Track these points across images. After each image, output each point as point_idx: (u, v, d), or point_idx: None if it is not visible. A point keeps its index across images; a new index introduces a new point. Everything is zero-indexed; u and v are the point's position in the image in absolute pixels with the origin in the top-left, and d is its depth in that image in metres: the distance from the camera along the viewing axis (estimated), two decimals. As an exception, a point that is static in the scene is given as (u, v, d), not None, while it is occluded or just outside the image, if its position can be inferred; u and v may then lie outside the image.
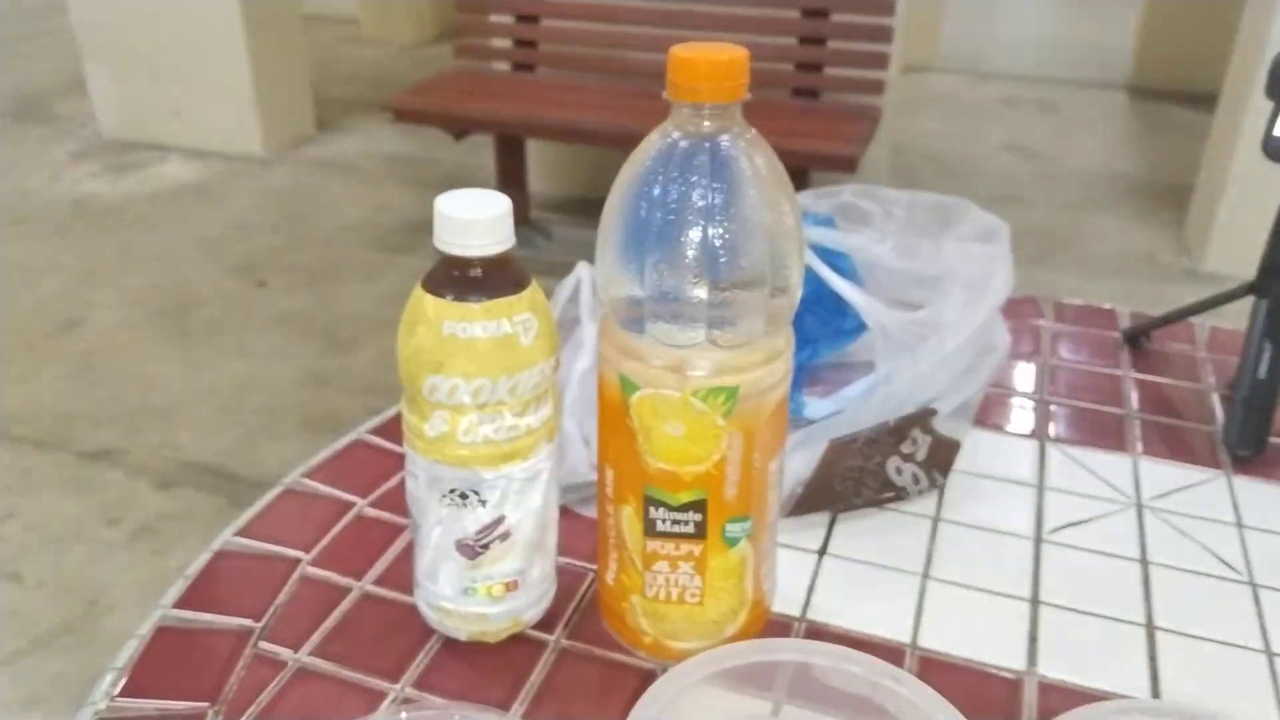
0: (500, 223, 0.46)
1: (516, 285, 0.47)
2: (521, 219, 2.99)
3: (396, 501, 0.63)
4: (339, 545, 0.60)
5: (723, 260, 0.44)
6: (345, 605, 0.56)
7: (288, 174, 3.34)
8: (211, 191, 3.20)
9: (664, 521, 0.48)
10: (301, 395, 2.17)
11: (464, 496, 0.48)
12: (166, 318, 2.47)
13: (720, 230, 0.44)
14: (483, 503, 0.49)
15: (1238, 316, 0.78)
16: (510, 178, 2.86)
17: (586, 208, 3.03)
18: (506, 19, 2.85)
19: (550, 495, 0.51)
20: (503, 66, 2.93)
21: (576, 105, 2.62)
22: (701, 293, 0.45)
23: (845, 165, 2.28)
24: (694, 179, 0.44)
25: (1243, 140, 2.62)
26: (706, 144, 0.45)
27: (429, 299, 0.46)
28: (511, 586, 0.51)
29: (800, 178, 2.30)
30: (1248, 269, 0.74)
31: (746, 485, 0.48)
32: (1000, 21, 5.63)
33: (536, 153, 3.06)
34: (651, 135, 0.46)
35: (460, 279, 0.46)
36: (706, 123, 0.45)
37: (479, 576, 0.50)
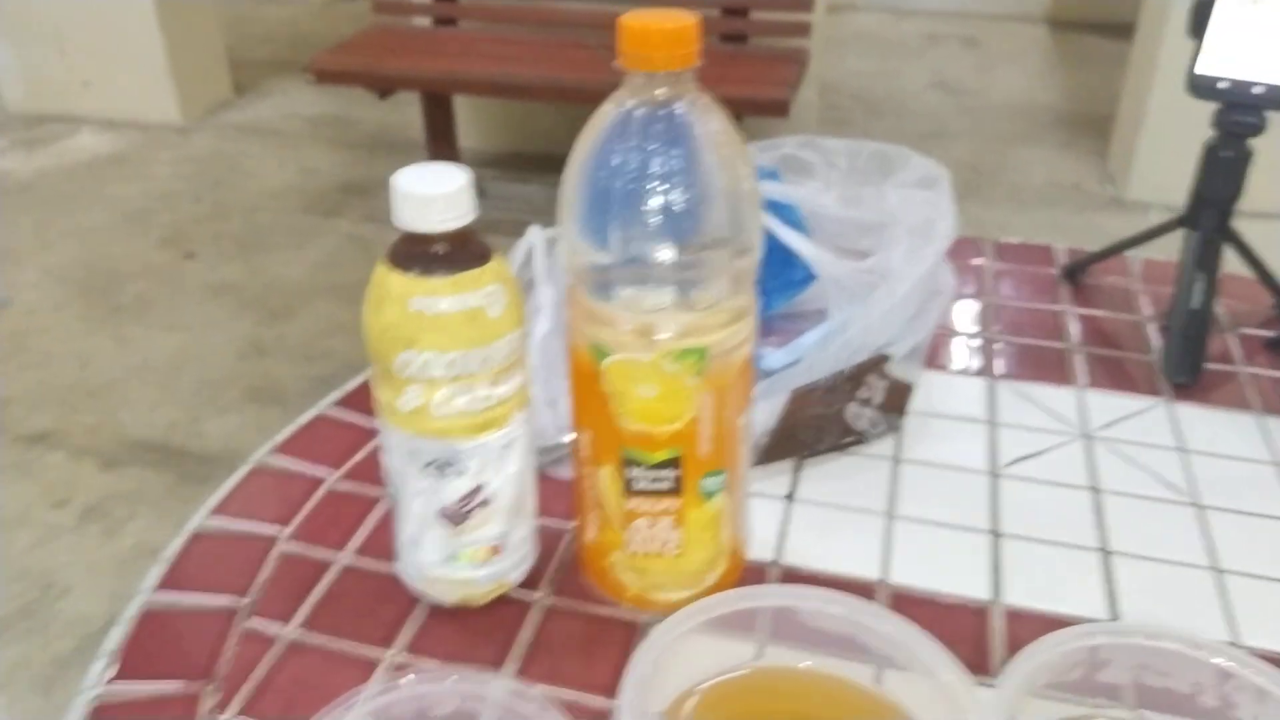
0: (461, 196, 0.46)
1: (480, 258, 0.47)
2: (453, 177, 2.95)
3: (366, 473, 0.64)
4: (315, 520, 0.60)
5: (687, 224, 0.45)
6: (329, 578, 0.56)
7: (208, 141, 3.26)
8: (130, 162, 3.11)
9: (642, 480, 0.50)
10: (241, 366, 2.14)
11: (443, 467, 0.49)
12: (94, 295, 2.41)
13: (683, 195, 0.45)
14: (462, 472, 0.50)
15: (1169, 248, 0.81)
16: (439, 135, 2.82)
17: (520, 162, 3.02)
18: (426, -28, 2.79)
19: (526, 460, 0.52)
20: (424, 22, 2.87)
21: (503, 59, 2.59)
22: (668, 256, 0.46)
23: (778, 110, 2.29)
24: (653, 146, 0.45)
25: (1159, 70, 2.68)
26: (662, 111, 0.45)
27: (394, 276, 0.47)
28: (495, 550, 0.52)
29: (734, 124, 2.30)
30: (1170, 195, 0.77)
31: (719, 440, 0.50)
32: (919, -43, 5.64)
33: (464, 108, 3.02)
34: (606, 105, 0.47)
35: (424, 255, 0.47)
36: (660, 90, 0.45)
37: (463, 543, 0.51)
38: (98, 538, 1.72)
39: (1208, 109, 0.73)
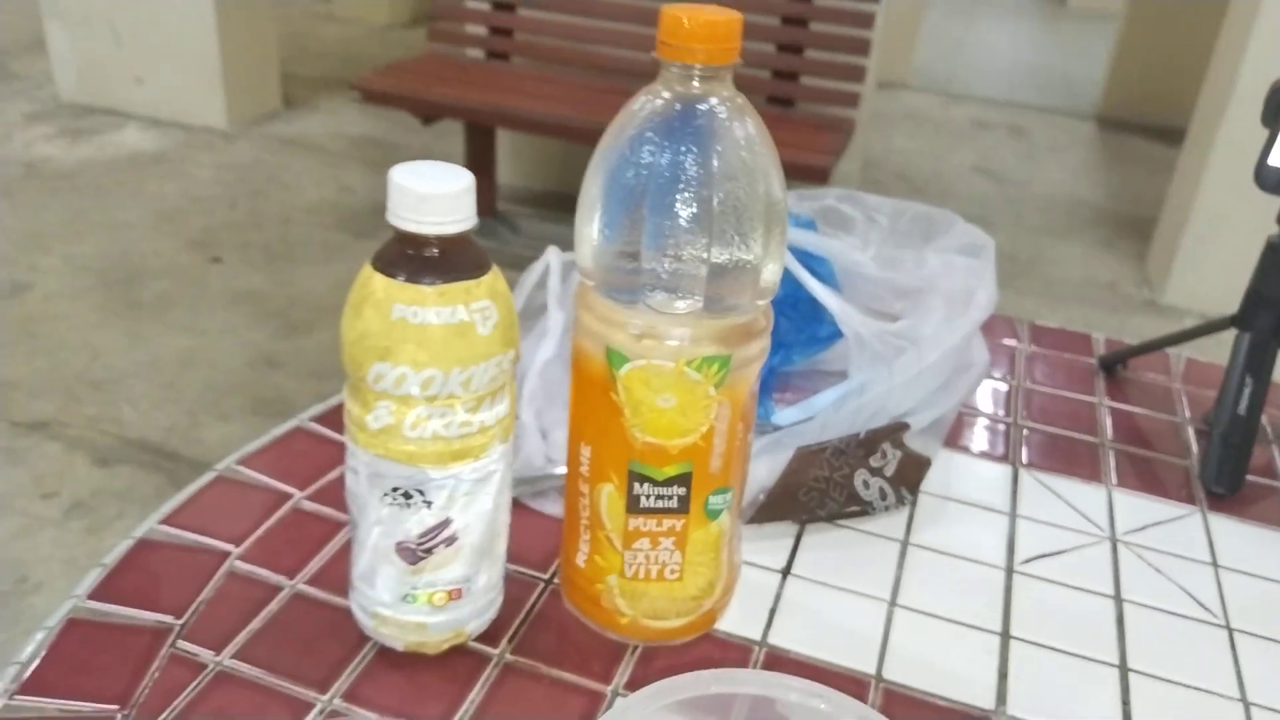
0: (461, 199, 0.42)
1: (476, 269, 0.43)
2: (488, 210, 2.95)
3: (336, 496, 0.59)
4: (272, 539, 0.56)
5: (724, 226, 0.43)
6: (274, 605, 0.52)
7: (250, 149, 3.27)
8: (171, 162, 3.12)
9: (648, 497, 0.47)
10: (250, 376, 2.11)
11: (408, 496, 0.45)
12: (114, 288, 2.39)
13: (722, 195, 0.43)
14: (428, 504, 0.45)
15: (1213, 350, 0.77)
16: (479, 167, 2.81)
17: (555, 202, 3.00)
18: (483, 5, 2.80)
19: (502, 499, 0.48)
20: (476, 54, 2.88)
21: (550, 97, 2.58)
22: (702, 259, 0.43)
23: (818, 176, 2.26)
24: (690, 143, 0.43)
25: (1209, 175, 2.64)
26: (701, 106, 0.43)
27: (379, 278, 0.43)
28: (455, 595, 0.48)
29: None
30: (1207, 304, 0.73)
31: (730, 456, 0.47)
32: (974, 44, 5.66)
33: (507, 144, 3.02)
34: (637, 98, 0.44)
35: (415, 259, 0.43)
36: (697, 84, 0.43)
37: (420, 583, 0.47)
38: (80, 534, 1.68)
39: (1254, 219, 0.69)
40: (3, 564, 1.60)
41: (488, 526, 0.47)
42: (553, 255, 0.73)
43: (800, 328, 0.73)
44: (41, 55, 3.52)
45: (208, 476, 0.61)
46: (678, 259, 0.43)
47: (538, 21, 2.78)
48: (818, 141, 2.41)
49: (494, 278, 0.44)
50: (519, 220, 2.87)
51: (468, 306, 0.42)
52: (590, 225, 0.44)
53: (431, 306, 0.42)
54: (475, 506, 0.46)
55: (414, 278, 0.42)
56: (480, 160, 2.82)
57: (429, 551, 0.46)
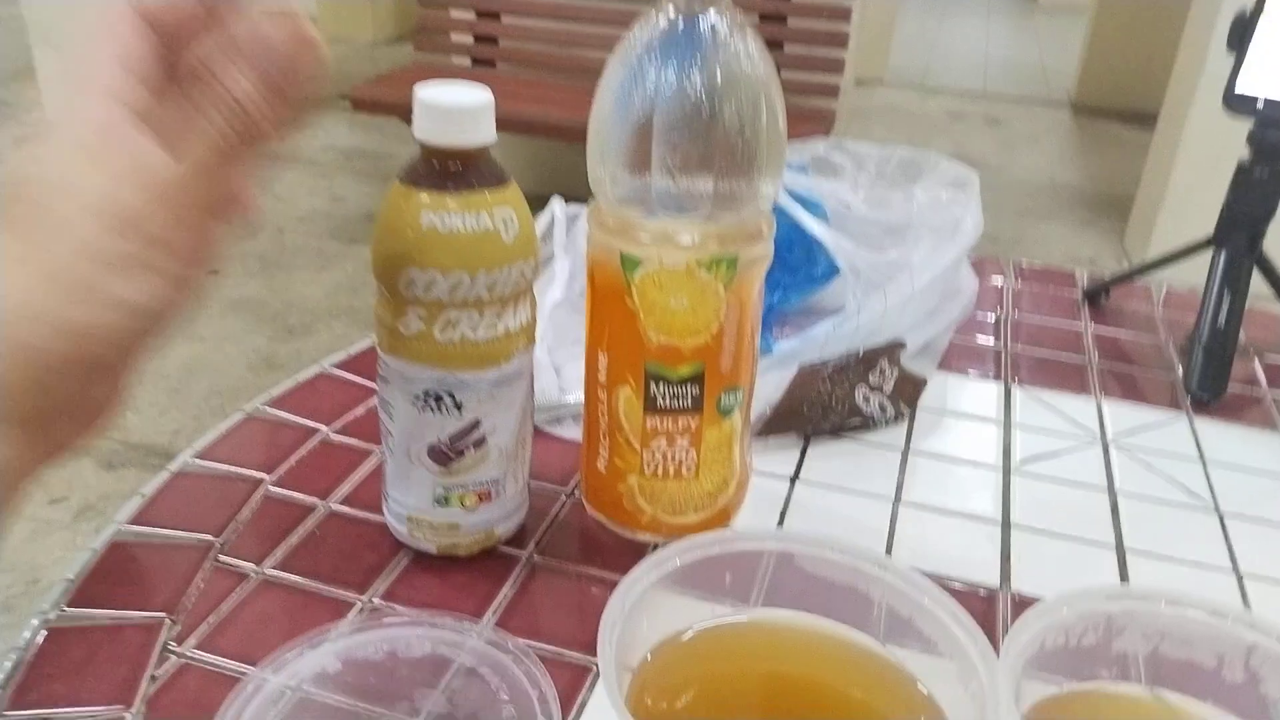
0: (482, 114, 0.45)
1: (498, 181, 0.46)
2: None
3: (363, 428, 0.62)
4: (303, 468, 0.59)
5: (729, 134, 0.45)
6: (310, 522, 0.54)
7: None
8: (161, 180, 3.14)
9: (664, 397, 0.49)
10: (251, 379, 2.13)
11: (438, 399, 0.47)
12: (112, 303, 2.41)
13: (726, 104, 0.45)
14: (458, 406, 0.48)
15: (1192, 277, 0.80)
16: (467, 172, 2.83)
17: (545, 204, 3.02)
18: (468, 14, 2.84)
19: (528, 405, 0.51)
20: (463, 61, 2.91)
21: (538, 100, 2.62)
22: (708, 166, 0.45)
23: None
24: (693, 55, 0.45)
25: (1180, 154, 2.71)
26: (702, 20, 0.46)
27: (407, 191, 0.45)
28: (485, 496, 0.50)
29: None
30: (1186, 274, 0.77)
31: (739, 355, 0.50)
32: (948, 40, 5.72)
33: (497, 149, 3.04)
34: (639, 21, 0.47)
35: (440, 172, 0.45)
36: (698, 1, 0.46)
37: (452, 485, 0.49)
38: (89, 536, 1.68)
39: (1223, 190, 0.73)
40: (16, 567, 1.62)
41: (515, 430, 0.50)
42: (557, 206, 0.76)
43: (796, 268, 0.76)
44: (31, 82, 3.54)
45: (236, 417, 0.63)
46: (686, 167, 0.45)
47: (522, 28, 2.82)
48: (799, 131, 2.45)
49: (514, 190, 0.47)
50: (509, 223, 2.90)
51: (491, 214, 0.45)
52: (602, 141, 0.47)
53: (457, 214, 0.45)
54: (502, 409, 0.49)
55: (440, 188, 0.45)
56: (469, 165, 2.84)
57: (460, 453, 0.49)
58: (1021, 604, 0.50)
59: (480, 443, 0.49)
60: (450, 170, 0.45)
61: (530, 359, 0.50)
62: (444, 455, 0.49)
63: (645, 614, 0.39)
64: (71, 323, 0.30)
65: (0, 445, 0.30)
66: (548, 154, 3.00)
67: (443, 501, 0.50)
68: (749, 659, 0.41)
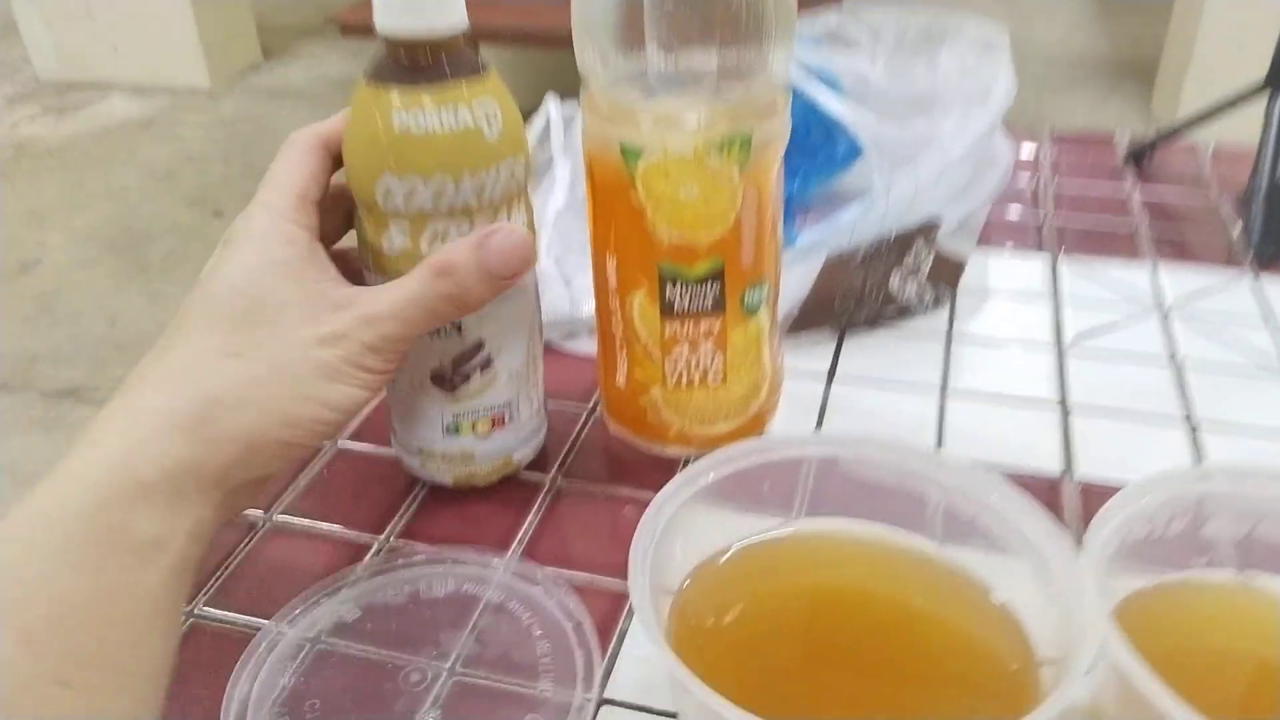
0: None
1: (473, 71, 0.41)
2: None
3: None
4: (307, 406, 0.55)
5: (730, 7, 0.40)
6: (317, 465, 0.51)
7: (236, 105, 3.23)
8: (159, 126, 3.09)
9: (682, 299, 0.45)
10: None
11: None
12: (122, 253, 2.38)
13: None
14: (457, 328, 0.44)
15: (1244, 131, 0.74)
16: (467, 90, 2.76)
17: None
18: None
19: (535, 321, 0.46)
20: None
21: (528, 11, 2.52)
22: (711, 34, 0.40)
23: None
24: None
25: (1206, 13, 2.59)
26: None
27: (376, 91, 0.41)
28: (498, 422, 0.46)
29: None
30: (1219, 133, 0.71)
31: (760, 247, 0.45)
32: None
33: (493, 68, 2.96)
34: None
35: (410, 66, 0.40)
36: None
37: (461, 412, 0.46)
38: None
39: (1255, 46, 0.66)
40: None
41: (523, 349, 0.46)
42: (552, 106, 0.71)
43: (814, 151, 0.70)
44: (15, 38, 3.47)
45: (234, 359, 0.59)
46: (685, 37, 0.41)
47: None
48: (809, 4, 2.34)
49: (495, 80, 0.42)
50: (515, 140, 2.82)
51: (470, 108, 0.40)
52: (588, 13, 0.42)
53: (433, 111, 0.40)
54: (506, 328, 0.45)
55: (412, 83, 0.40)
56: (468, 83, 2.77)
57: (465, 378, 0.45)
58: (1088, 492, 0.46)
59: (486, 365, 0.45)
60: (420, 64, 0.40)
61: (533, 271, 0.45)
62: (448, 381, 0.45)
63: (679, 535, 0.35)
64: (289, 416, 0.35)
65: (205, 509, 0.34)
66: (548, 66, 2.92)
67: (453, 430, 0.46)
68: (795, 574, 0.38)
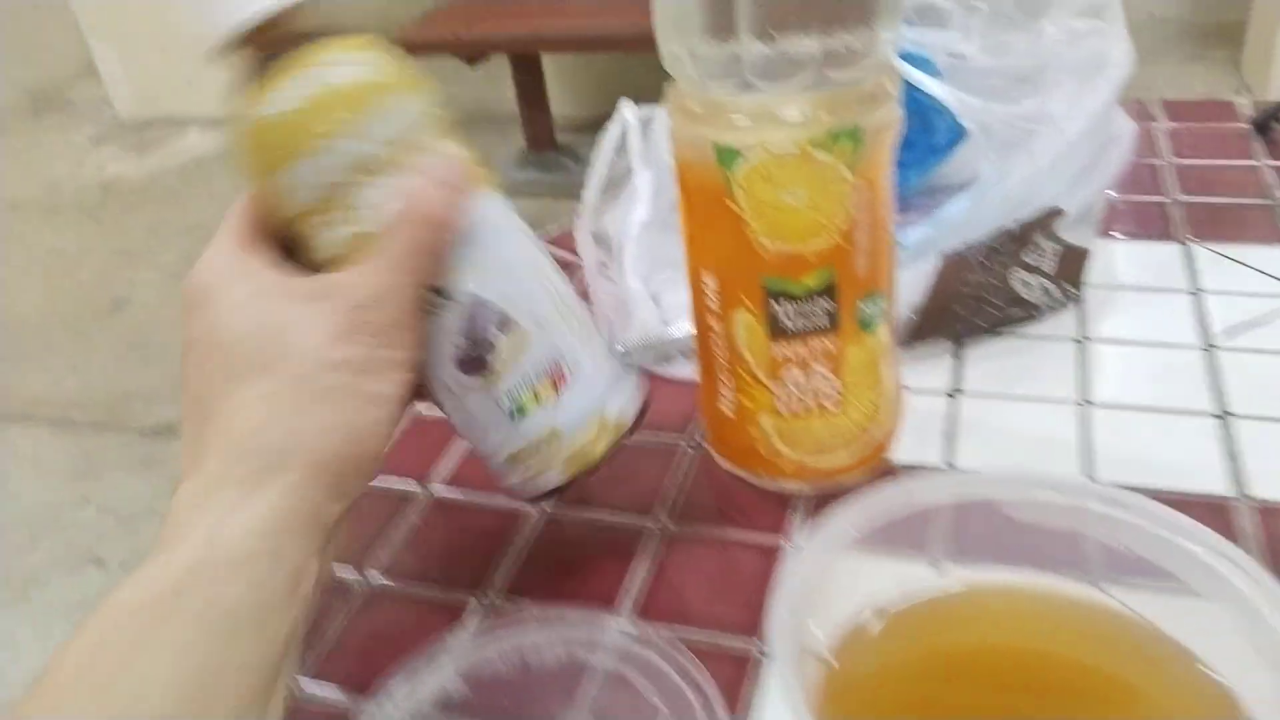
0: None
1: (321, 35, 0.37)
2: (547, 144, 2.89)
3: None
4: (394, 450, 0.52)
5: None
6: (411, 514, 0.48)
7: (308, 130, 3.26)
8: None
9: (791, 317, 0.41)
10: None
11: (429, 301, 0.38)
12: (207, 287, 2.41)
13: None
14: (439, 293, 0.38)
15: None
16: (531, 101, 2.75)
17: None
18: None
19: (537, 259, 0.40)
20: (510, -15, 2.80)
21: (590, 13, 2.50)
22: (815, 14, 0.36)
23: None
24: None
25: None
26: None
27: (238, 101, 0.37)
28: (559, 380, 0.40)
29: None
30: None
31: (876, 253, 0.41)
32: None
33: (555, 75, 2.94)
34: None
35: (263, 57, 0.37)
36: None
37: (512, 385, 0.39)
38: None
39: None
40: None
41: (539, 292, 0.40)
42: (628, 111, 0.67)
43: (911, 143, 0.65)
44: (95, 79, 3.56)
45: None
46: (783, 21, 0.36)
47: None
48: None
49: (348, 37, 0.37)
50: (580, 149, 2.80)
51: (338, 65, 0.36)
52: (674, 2, 0.38)
53: (299, 77, 0.36)
54: (495, 274, 0.39)
55: (261, 72, 0.36)
56: (531, 94, 2.76)
57: (490, 345, 0.39)
58: (1267, 513, 0.41)
59: (503, 323, 0.38)
60: (271, 54, 0.37)
61: (497, 200, 0.39)
62: (476, 359, 0.39)
63: (820, 592, 0.31)
64: (339, 423, 0.34)
65: (333, 504, 0.35)
66: (611, 71, 2.89)
67: (519, 411, 0.40)
68: (962, 636, 0.33)
